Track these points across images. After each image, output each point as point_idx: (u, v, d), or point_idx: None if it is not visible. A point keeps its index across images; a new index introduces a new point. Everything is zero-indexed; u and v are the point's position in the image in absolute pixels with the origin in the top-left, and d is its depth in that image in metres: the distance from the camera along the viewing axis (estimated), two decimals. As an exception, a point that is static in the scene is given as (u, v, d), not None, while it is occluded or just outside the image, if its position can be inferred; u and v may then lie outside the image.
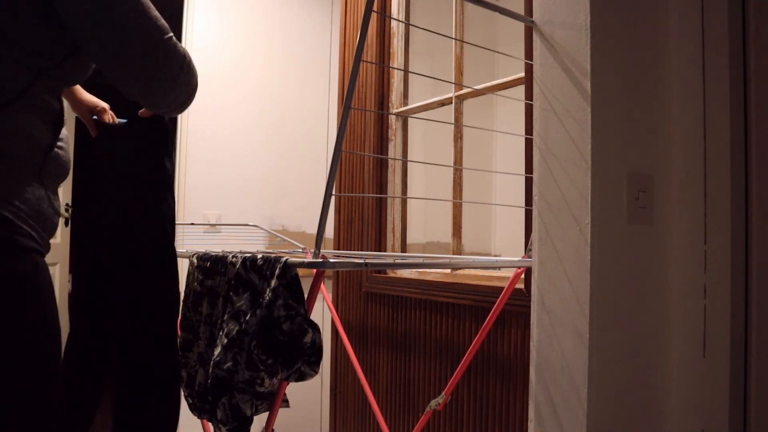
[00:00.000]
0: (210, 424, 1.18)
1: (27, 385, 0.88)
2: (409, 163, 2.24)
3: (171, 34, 0.96)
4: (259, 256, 1.13)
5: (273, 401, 1.10)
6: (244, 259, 1.15)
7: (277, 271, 1.05)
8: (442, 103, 2.03)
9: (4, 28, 0.87)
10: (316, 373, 1.05)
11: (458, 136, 1.95)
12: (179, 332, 1.34)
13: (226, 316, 1.14)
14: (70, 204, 2.82)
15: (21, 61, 0.89)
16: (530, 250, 1.30)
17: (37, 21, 0.89)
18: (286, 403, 1.21)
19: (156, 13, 0.95)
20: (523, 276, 1.55)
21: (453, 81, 1.94)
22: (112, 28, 0.90)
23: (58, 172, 0.98)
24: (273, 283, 1.05)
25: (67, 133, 1.03)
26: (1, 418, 0.85)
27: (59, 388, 0.93)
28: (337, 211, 2.44)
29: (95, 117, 1.30)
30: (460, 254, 1.95)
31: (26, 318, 0.88)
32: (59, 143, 0.98)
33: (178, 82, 0.99)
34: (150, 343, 1.18)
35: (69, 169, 1.03)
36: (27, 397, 0.88)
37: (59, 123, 0.98)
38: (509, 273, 1.52)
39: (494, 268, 1.79)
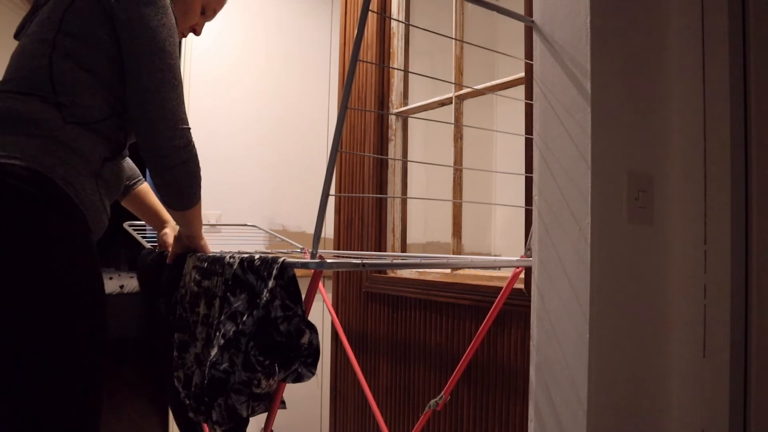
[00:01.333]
0: (205, 423, 1.17)
1: (65, 349, 1.01)
2: (409, 163, 2.23)
3: (187, 126, 1.22)
4: (257, 256, 1.12)
5: (270, 402, 1.10)
6: (242, 260, 1.15)
7: (274, 272, 1.05)
8: (442, 103, 2.03)
9: (106, 78, 1.17)
10: (313, 374, 1.05)
11: (458, 136, 1.95)
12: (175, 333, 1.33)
13: (222, 317, 1.13)
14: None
15: (107, 100, 1.17)
16: (530, 249, 1.30)
17: (120, 77, 1.19)
18: (282, 404, 1.21)
19: (183, 107, 1.21)
20: (522, 276, 1.55)
21: (453, 81, 1.94)
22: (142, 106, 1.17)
23: (110, 181, 1.21)
24: (270, 283, 1.05)
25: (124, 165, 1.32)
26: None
27: (101, 360, 1.08)
28: (337, 211, 2.44)
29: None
30: (460, 254, 1.95)
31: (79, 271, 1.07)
32: (115, 161, 1.23)
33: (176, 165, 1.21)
34: None
35: (120, 186, 1.28)
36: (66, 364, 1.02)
37: (118, 151, 1.24)
38: (509, 273, 1.52)
39: (494, 268, 1.79)
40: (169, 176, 1.22)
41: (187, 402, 1.25)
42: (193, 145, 1.24)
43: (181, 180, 1.24)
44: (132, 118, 1.18)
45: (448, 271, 1.93)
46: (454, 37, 1.94)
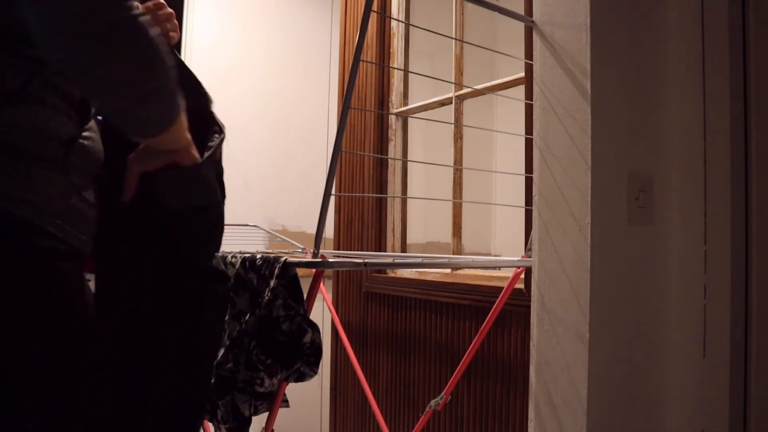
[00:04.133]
0: (209, 423, 1.18)
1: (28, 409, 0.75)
2: (409, 163, 2.24)
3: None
4: (258, 256, 1.13)
5: (272, 401, 1.10)
6: (244, 259, 1.15)
7: (276, 271, 1.05)
8: (442, 103, 2.03)
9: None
10: (316, 373, 1.05)
11: (458, 136, 1.95)
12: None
13: (227, 317, 1.14)
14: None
15: (18, 50, 0.76)
16: (530, 249, 1.30)
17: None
18: (285, 403, 1.21)
19: None
20: (523, 276, 1.55)
21: (453, 81, 1.94)
22: None
23: (86, 164, 0.85)
24: (272, 283, 1.05)
25: (94, 123, 0.89)
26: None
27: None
28: (337, 211, 2.44)
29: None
30: (460, 254, 1.95)
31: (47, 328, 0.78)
32: (85, 133, 0.84)
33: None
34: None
35: (101, 159, 0.89)
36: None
37: (84, 112, 0.84)
38: (509, 273, 1.52)
39: (494, 268, 1.79)
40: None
41: None
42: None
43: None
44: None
45: (448, 271, 1.94)
46: (454, 37, 1.94)
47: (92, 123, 0.89)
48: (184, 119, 0.88)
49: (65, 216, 0.80)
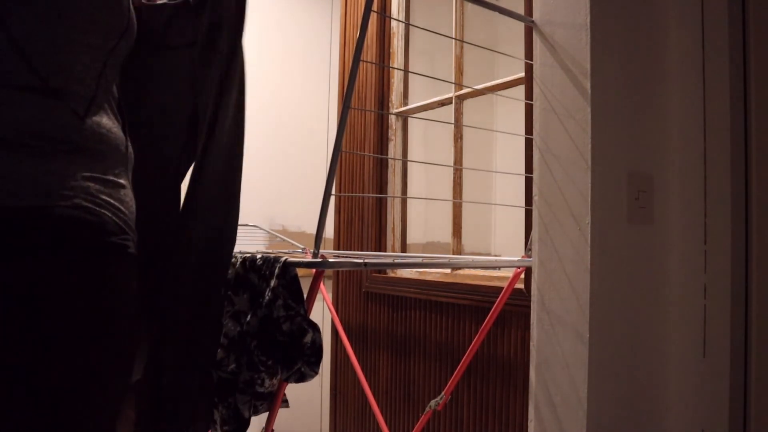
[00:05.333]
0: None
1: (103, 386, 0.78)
2: (409, 163, 2.24)
3: None
4: (259, 256, 1.13)
5: (272, 402, 1.10)
6: (244, 260, 1.15)
7: (276, 271, 1.05)
8: (442, 103, 2.03)
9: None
10: (316, 373, 1.05)
11: (458, 136, 1.95)
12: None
13: (224, 318, 1.14)
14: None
15: (95, 45, 0.75)
16: (530, 249, 1.30)
17: None
18: (285, 403, 1.21)
19: None
20: (523, 276, 1.55)
21: (453, 81, 1.94)
22: None
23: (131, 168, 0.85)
24: (272, 283, 1.05)
25: None
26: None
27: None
28: (337, 211, 2.44)
29: None
30: (460, 254, 1.95)
31: (121, 328, 0.80)
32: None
33: None
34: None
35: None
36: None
37: (122, 113, 0.85)
38: (509, 273, 1.52)
39: (494, 268, 1.79)
40: None
41: None
42: None
43: None
44: None
45: (448, 271, 1.94)
46: (454, 37, 1.94)
47: None
48: None
49: (133, 219, 0.81)
